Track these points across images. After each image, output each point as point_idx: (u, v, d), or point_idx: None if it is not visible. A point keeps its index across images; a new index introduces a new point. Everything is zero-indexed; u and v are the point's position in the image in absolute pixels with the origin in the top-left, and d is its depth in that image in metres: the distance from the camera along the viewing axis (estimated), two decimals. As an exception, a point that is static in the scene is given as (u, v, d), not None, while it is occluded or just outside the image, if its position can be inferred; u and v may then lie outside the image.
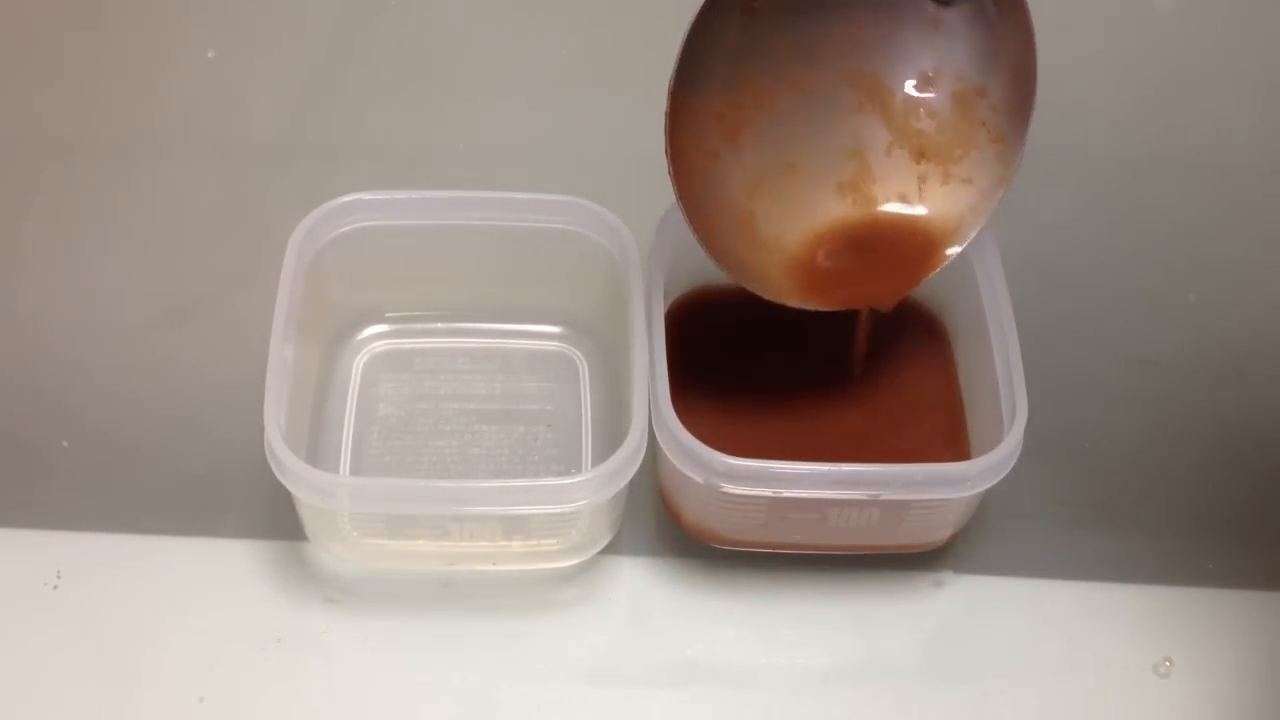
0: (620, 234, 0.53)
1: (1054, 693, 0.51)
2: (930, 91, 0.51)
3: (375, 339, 0.57)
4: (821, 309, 0.51)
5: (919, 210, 0.52)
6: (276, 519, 0.52)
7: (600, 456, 0.53)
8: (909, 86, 0.51)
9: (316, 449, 0.54)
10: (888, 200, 0.52)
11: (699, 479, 0.48)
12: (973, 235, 0.51)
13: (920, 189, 0.51)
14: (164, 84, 0.66)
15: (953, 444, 0.54)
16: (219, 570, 0.52)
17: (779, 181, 0.51)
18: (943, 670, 0.51)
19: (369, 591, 0.52)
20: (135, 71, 0.66)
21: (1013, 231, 0.51)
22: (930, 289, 0.56)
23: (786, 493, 0.48)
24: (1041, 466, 0.53)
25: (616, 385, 0.55)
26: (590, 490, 0.48)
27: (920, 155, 0.51)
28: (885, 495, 0.48)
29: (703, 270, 0.56)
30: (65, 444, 0.55)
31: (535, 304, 0.57)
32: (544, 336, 0.57)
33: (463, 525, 0.49)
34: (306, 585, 0.52)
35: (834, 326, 0.54)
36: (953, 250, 0.51)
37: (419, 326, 0.57)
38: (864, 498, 0.48)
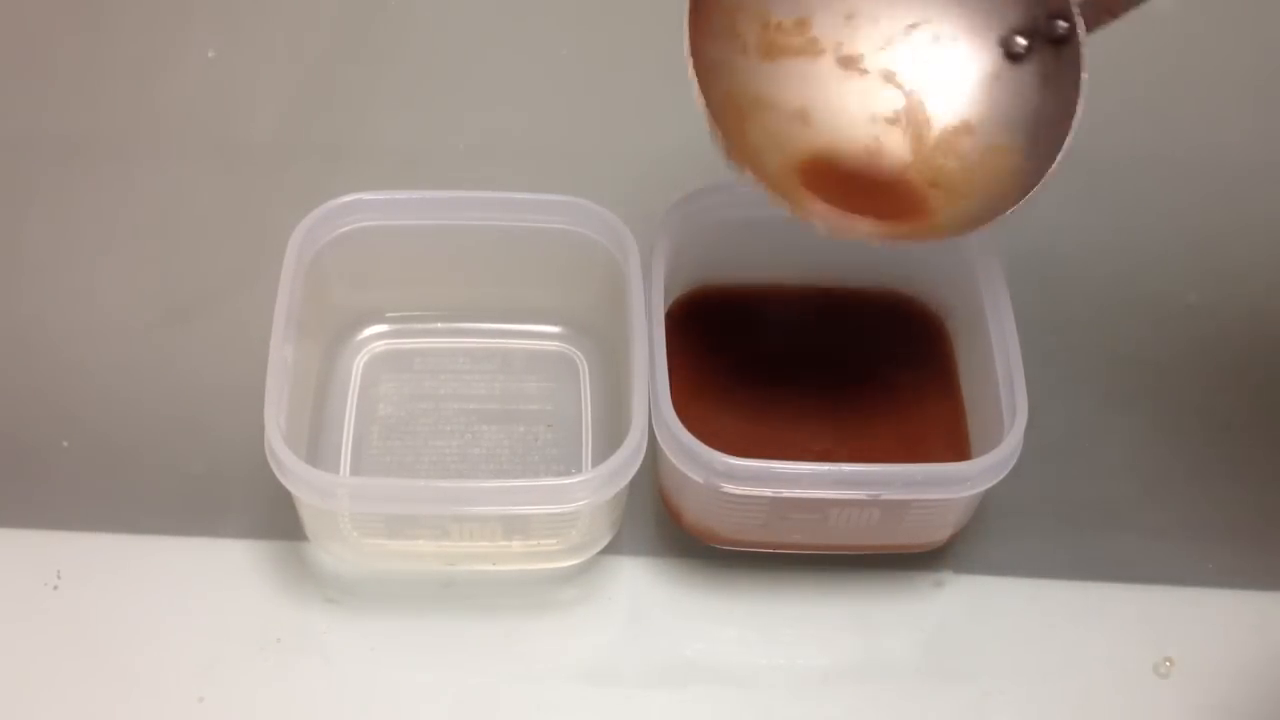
0: (620, 234, 0.53)
1: (1054, 693, 0.51)
2: (966, 138, 0.50)
3: (375, 339, 0.57)
4: (799, 206, 0.48)
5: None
6: (276, 519, 0.52)
7: (600, 456, 0.53)
8: (948, 126, 0.50)
9: (316, 449, 0.54)
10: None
11: (699, 479, 0.48)
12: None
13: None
14: (164, 84, 0.66)
15: (953, 444, 0.54)
16: (219, 570, 0.52)
17: (787, 121, 0.50)
18: (943, 670, 0.51)
19: (369, 591, 0.52)
20: (135, 71, 0.66)
21: (1013, 231, 0.51)
22: (930, 289, 0.56)
23: (787, 493, 0.48)
24: (1041, 466, 0.53)
25: (616, 385, 0.55)
26: (590, 490, 0.48)
27: (932, 183, 0.50)
28: (885, 495, 0.48)
29: (703, 270, 0.56)
30: (65, 444, 0.55)
31: (535, 304, 0.57)
32: (544, 336, 0.57)
33: (463, 525, 0.49)
34: (306, 585, 0.52)
35: (835, 326, 0.54)
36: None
37: (419, 326, 0.57)
38: (864, 498, 0.48)
